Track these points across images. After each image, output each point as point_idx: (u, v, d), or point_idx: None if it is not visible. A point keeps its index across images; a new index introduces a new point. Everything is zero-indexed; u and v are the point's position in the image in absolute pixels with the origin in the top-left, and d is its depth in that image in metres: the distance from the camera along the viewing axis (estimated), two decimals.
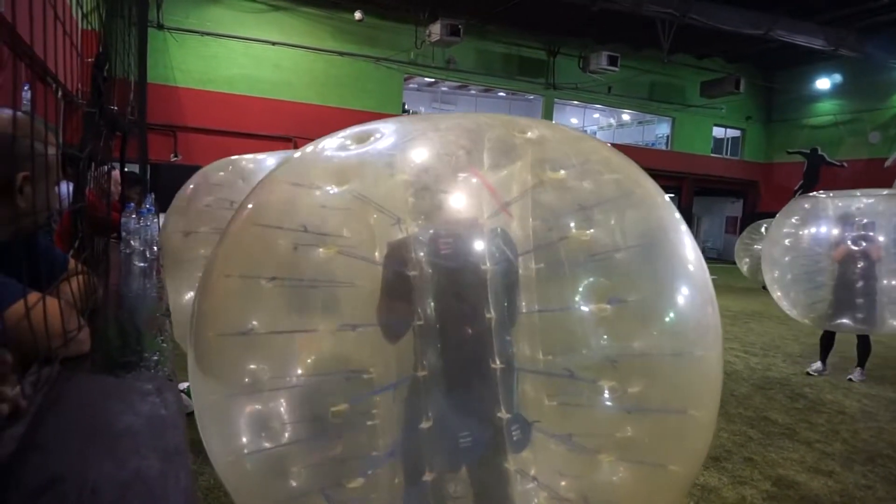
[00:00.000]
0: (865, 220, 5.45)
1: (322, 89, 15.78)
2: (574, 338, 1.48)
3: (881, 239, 5.42)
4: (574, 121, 24.65)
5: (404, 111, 17.74)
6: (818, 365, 6.22)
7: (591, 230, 1.51)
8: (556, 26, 16.87)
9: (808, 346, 7.25)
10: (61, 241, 2.52)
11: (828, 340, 6.18)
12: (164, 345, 1.31)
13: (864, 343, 6.02)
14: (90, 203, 2.36)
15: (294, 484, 1.45)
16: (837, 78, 19.82)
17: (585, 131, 24.53)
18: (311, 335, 1.45)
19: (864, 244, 5.40)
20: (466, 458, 1.49)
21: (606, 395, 1.44)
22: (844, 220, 5.55)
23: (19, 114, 1.04)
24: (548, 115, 19.35)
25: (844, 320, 5.55)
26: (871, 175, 18.65)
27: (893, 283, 5.39)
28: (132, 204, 3.27)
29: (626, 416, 1.44)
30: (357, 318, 1.45)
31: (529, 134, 1.61)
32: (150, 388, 1.02)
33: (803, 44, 15.85)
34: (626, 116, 23.59)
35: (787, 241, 5.93)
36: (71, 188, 2.21)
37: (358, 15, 15.31)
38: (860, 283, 5.42)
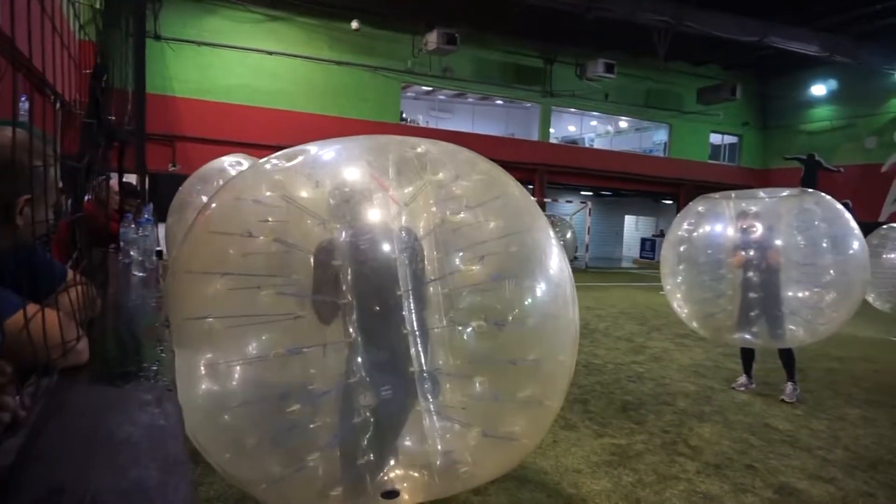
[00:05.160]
0: (757, 225, 4.90)
1: (320, 99, 15.83)
2: (465, 311, 1.95)
3: (778, 243, 4.88)
4: (572, 128, 24.71)
5: (402, 120, 17.78)
6: (743, 379, 5.69)
7: (471, 224, 2.00)
8: (552, 34, 16.96)
9: (810, 350, 7.23)
10: (58, 250, 2.52)
11: (748, 351, 5.62)
12: (164, 355, 1.31)
13: (786, 353, 5.33)
14: (88, 213, 2.37)
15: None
16: (833, 84, 19.96)
17: (583, 139, 24.68)
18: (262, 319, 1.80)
19: (758, 249, 4.85)
20: (390, 404, 1.86)
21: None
22: (740, 223, 5.00)
23: (20, 132, 1.05)
24: (545, 122, 19.42)
25: (746, 335, 5.04)
26: (867, 180, 18.77)
27: (798, 292, 4.85)
28: (130, 214, 3.27)
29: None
30: (299, 305, 1.82)
31: (420, 149, 2.11)
32: (150, 398, 1.01)
33: (798, 50, 15.94)
34: (623, 123, 23.67)
35: (682, 248, 5.33)
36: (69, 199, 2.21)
37: (354, 24, 15.39)
38: (761, 294, 4.88)
